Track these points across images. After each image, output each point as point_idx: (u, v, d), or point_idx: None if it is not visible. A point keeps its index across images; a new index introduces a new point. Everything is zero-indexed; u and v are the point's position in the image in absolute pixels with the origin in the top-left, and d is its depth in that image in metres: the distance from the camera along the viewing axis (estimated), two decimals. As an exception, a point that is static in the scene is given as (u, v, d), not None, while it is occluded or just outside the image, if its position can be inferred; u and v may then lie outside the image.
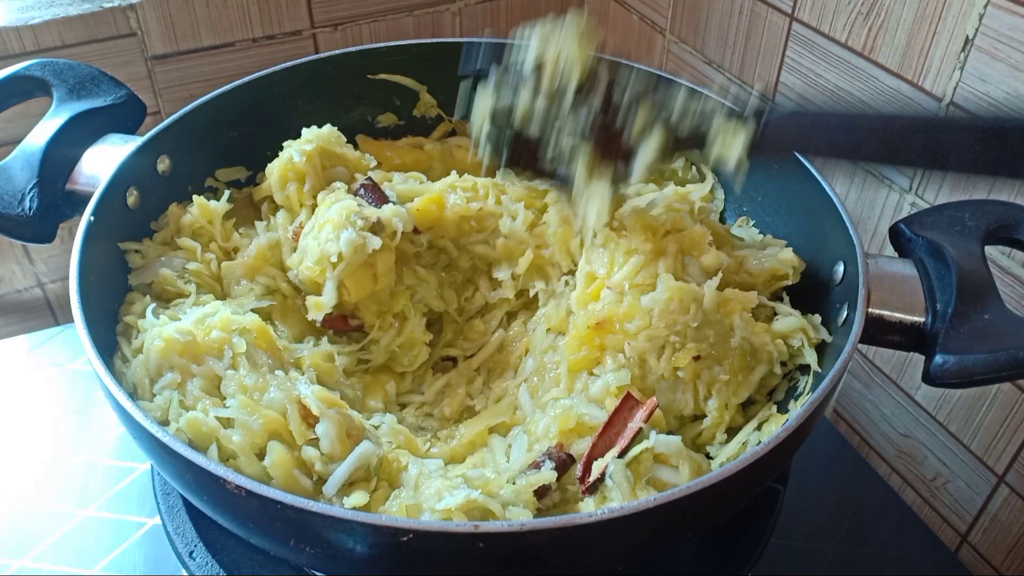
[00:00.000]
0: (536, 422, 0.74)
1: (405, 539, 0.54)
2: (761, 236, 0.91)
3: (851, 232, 0.75)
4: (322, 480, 0.67)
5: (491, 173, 0.88)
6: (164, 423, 0.67)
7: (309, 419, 0.68)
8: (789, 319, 0.76)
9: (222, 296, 0.84)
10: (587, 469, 0.69)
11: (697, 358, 0.74)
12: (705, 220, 0.86)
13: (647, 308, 0.74)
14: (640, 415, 0.71)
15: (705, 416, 0.74)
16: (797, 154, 0.83)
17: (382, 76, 1.00)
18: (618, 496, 0.67)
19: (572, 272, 0.85)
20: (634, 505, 0.55)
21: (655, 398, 0.71)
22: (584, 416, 0.72)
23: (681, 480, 0.67)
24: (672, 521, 0.60)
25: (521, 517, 0.65)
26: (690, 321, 0.75)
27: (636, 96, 0.70)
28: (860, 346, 0.74)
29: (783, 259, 0.80)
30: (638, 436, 0.70)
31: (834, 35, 0.94)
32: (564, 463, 0.70)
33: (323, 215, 0.82)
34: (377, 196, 0.85)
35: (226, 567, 0.78)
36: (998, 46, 0.79)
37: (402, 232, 0.82)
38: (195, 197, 0.87)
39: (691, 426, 0.75)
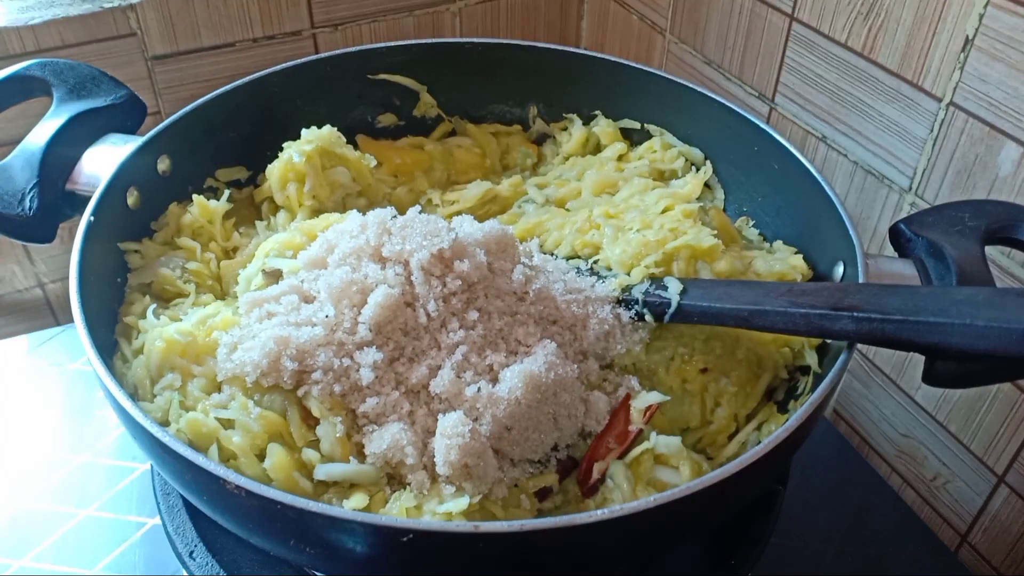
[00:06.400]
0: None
1: (405, 539, 0.54)
2: (761, 236, 0.91)
3: (851, 232, 0.75)
4: (323, 484, 0.67)
5: None
6: (164, 424, 0.67)
7: (309, 421, 0.68)
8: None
9: (222, 296, 0.84)
10: (588, 471, 0.69)
11: (704, 370, 0.74)
12: (716, 216, 0.86)
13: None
14: (640, 416, 0.71)
15: (711, 423, 0.74)
16: (798, 157, 0.83)
17: (382, 76, 1.00)
18: (619, 497, 0.67)
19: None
20: (634, 505, 0.55)
21: (655, 400, 0.71)
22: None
23: (681, 481, 0.67)
24: (672, 521, 0.60)
25: (522, 518, 0.65)
26: (697, 333, 0.75)
27: None
28: (860, 346, 0.74)
29: (792, 263, 0.81)
30: (639, 437, 0.70)
31: (834, 35, 0.94)
32: (566, 465, 0.70)
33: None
34: None
35: (226, 567, 0.78)
36: (998, 46, 0.79)
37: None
38: (195, 196, 0.87)
39: (694, 431, 0.75)
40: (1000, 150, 0.81)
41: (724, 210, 0.93)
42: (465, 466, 0.63)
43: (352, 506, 0.63)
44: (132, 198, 0.83)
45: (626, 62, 0.97)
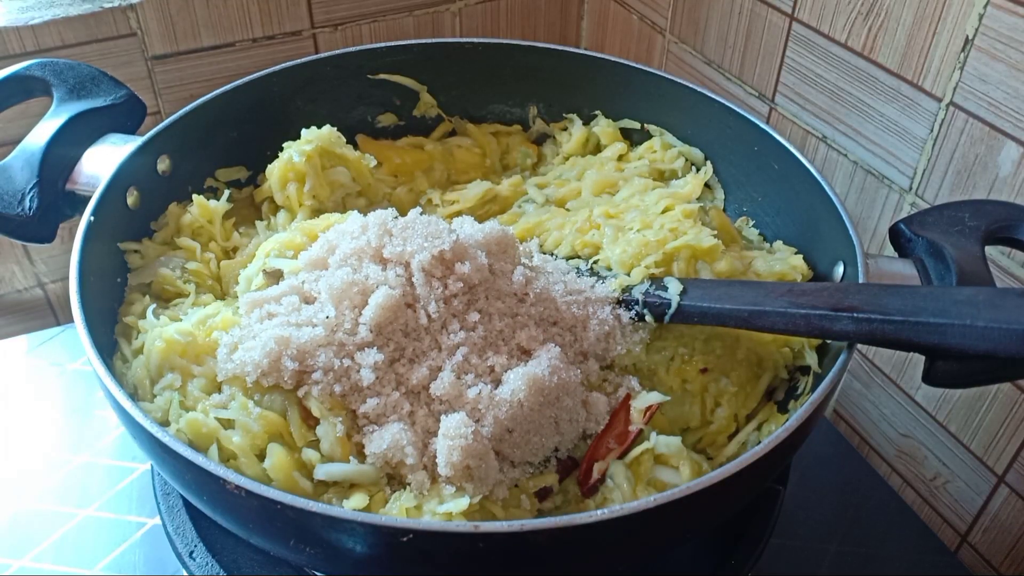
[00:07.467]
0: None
1: (405, 539, 0.54)
2: (761, 236, 0.91)
3: (851, 232, 0.75)
4: (323, 484, 0.67)
5: None
6: (164, 424, 0.68)
7: (310, 420, 0.68)
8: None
9: (221, 295, 0.84)
10: (588, 471, 0.69)
11: (704, 370, 0.74)
12: (716, 216, 0.86)
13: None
14: (640, 416, 0.71)
15: (711, 424, 0.74)
16: (798, 157, 0.83)
17: (382, 76, 1.00)
18: (619, 497, 0.67)
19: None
20: (634, 505, 0.55)
21: (656, 400, 0.71)
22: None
23: (681, 481, 0.67)
24: (672, 521, 0.60)
25: (522, 518, 0.65)
26: (698, 333, 0.75)
27: None
28: (860, 346, 0.74)
29: (793, 264, 0.81)
30: (639, 437, 0.70)
31: (834, 35, 0.94)
32: (566, 465, 0.70)
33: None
34: None
35: (226, 567, 0.78)
36: (998, 46, 0.79)
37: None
38: (195, 196, 0.87)
39: (694, 431, 0.75)
40: (1000, 150, 0.81)
41: (724, 210, 0.93)
42: (467, 467, 0.64)
43: (352, 506, 0.63)
44: (132, 198, 0.83)
45: (626, 62, 0.97)
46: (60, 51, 1.04)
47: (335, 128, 0.90)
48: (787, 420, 0.63)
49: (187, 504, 0.82)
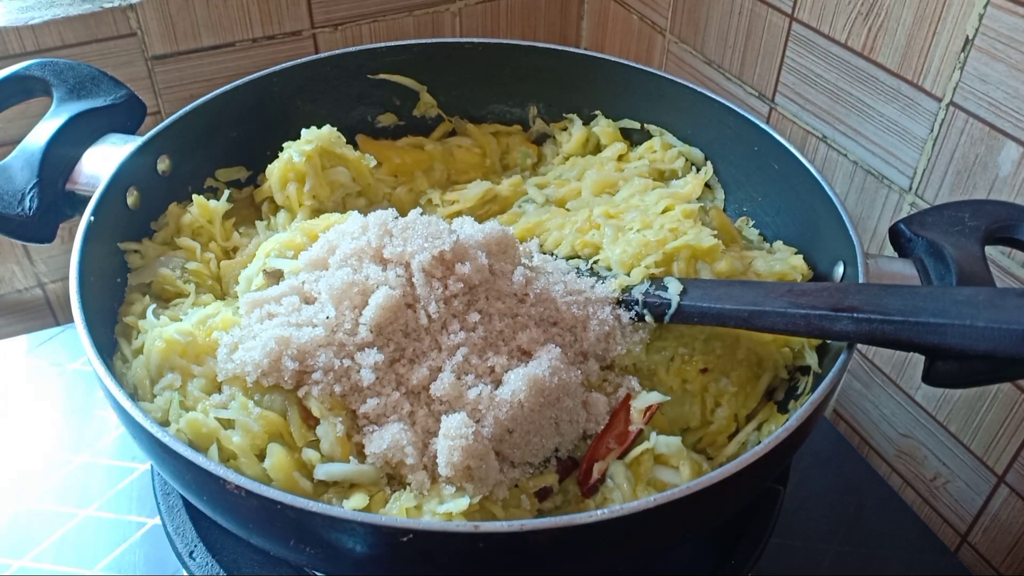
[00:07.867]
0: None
1: (405, 539, 0.54)
2: (761, 236, 0.91)
3: (851, 232, 0.75)
4: (323, 484, 0.67)
5: None
6: (164, 424, 0.68)
7: (310, 420, 0.68)
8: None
9: (221, 295, 0.84)
10: (588, 471, 0.69)
11: (704, 370, 0.74)
12: (716, 216, 0.86)
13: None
14: (640, 416, 0.71)
15: (711, 424, 0.74)
16: (798, 157, 0.83)
17: (382, 76, 1.00)
18: (619, 497, 0.67)
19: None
20: (634, 505, 0.55)
21: (656, 400, 0.71)
22: None
23: (681, 481, 0.67)
24: (672, 521, 0.60)
25: (522, 518, 0.65)
26: (698, 333, 0.75)
27: None
28: (860, 346, 0.74)
29: (792, 264, 0.81)
30: (639, 437, 0.70)
31: (834, 35, 0.94)
32: (566, 465, 0.70)
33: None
34: None
35: (226, 567, 0.78)
36: (998, 46, 0.79)
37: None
38: (195, 196, 0.87)
39: (695, 431, 0.75)
40: (1000, 150, 0.81)
41: (724, 210, 0.93)
42: (467, 468, 0.64)
43: (352, 506, 0.63)
44: (132, 198, 0.83)
45: (626, 62, 0.97)
46: (60, 51, 1.04)
47: (335, 128, 0.90)
48: (787, 420, 0.63)
49: (187, 504, 0.82)
